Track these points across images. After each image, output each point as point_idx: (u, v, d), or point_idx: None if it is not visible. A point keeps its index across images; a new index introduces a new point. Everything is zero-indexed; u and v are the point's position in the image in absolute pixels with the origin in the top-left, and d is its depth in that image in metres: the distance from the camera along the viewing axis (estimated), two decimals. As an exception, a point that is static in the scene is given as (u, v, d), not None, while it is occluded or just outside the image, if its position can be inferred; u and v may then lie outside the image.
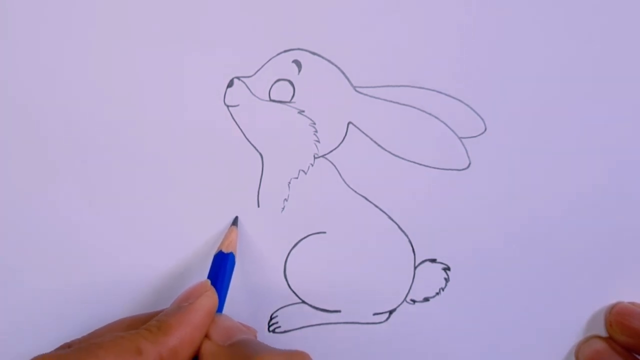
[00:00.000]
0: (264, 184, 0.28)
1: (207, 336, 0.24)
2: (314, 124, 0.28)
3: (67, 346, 0.23)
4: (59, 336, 0.29)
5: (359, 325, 0.29)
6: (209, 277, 0.26)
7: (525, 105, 0.27)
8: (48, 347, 0.23)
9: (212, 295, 0.24)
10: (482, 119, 0.27)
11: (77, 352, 0.21)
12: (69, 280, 0.29)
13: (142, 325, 0.23)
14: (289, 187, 0.28)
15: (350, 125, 0.28)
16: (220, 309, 0.25)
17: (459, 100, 0.27)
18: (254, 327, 0.29)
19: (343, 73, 0.27)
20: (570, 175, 0.28)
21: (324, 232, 0.29)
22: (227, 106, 0.27)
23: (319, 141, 0.28)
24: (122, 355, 0.21)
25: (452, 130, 0.27)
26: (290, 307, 0.29)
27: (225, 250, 0.27)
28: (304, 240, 0.29)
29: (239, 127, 0.28)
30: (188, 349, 0.22)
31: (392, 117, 0.27)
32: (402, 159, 0.28)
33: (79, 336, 0.24)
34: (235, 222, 0.28)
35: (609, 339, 0.29)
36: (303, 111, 0.27)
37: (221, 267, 0.26)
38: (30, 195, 0.28)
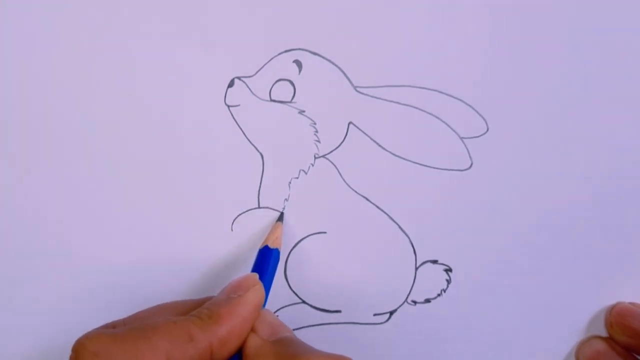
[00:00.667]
0: (264, 184, 0.28)
1: (252, 330, 0.23)
2: (315, 124, 0.27)
3: (112, 326, 0.23)
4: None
5: (360, 326, 0.30)
6: (253, 271, 0.26)
7: (527, 105, 0.27)
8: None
9: (260, 290, 0.24)
10: (484, 119, 0.27)
11: (131, 332, 0.21)
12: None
13: (191, 312, 0.23)
14: (289, 187, 0.28)
15: (351, 125, 0.27)
16: (264, 304, 0.25)
17: (461, 101, 0.27)
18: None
19: (343, 73, 0.27)
20: (572, 176, 0.28)
21: (324, 232, 0.29)
22: (228, 106, 0.27)
23: (319, 141, 0.28)
24: (174, 340, 0.21)
25: (454, 131, 0.27)
26: (290, 307, 0.29)
27: (271, 246, 0.27)
28: (304, 240, 0.29)
29: (239, 127, 0.27)
30: (236, 341, 0.22)
31: (393, 117, 0.27)
32: (403, 159, 0.28)
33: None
34: (281, 218, 0.28)
35: (609, 339, 0.29)
36: (303, 111, 0.27)
37: (266, 262, 0.26)
38: (26, 197, 0.28)
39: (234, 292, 0.24)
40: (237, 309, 0.23)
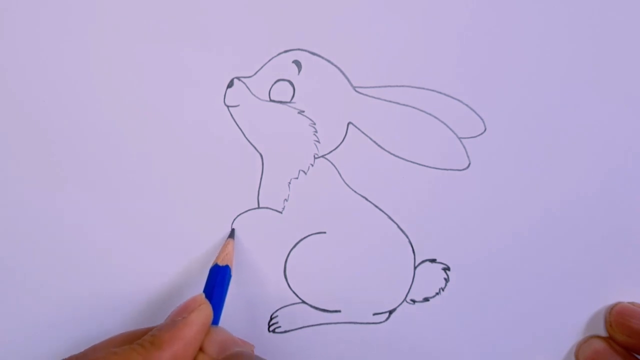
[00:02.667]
0: (264, 184, 0.28)
1: (201, 349, 0.24)
2: (314, 124, 0.28)
3: None
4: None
5: (359, 326, 0.30)
6: (205, 290, 0.26)
7: (524, 105, 0.27)
8: None
9: (205, 309, 0.24)
10: (481, 119, 0.27)
11: None
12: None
13: (136, 341, 0.23)
14: (289, 187, 0.28)
15: (350, 126, 0.28)
16: (216, 321, 0.25)
17: (459, 101, 0.27)
18: (254, 328, 0.29)
19: (343, 73, 0.27)
20: (570, 176, 0.28)
21: (324, 232, 0.29)
22: (227, 106, 0.27)
23: (319, 141, 0.28)
24: None
25: (452, 131, 0.27)
26: (290, 307, 0.29)
27: (220, 263, 0.27)
28: (304, 240, 0.29)
29: (239, 127, 0.28)
30: None
31: (392, 117, 0.27)
32: (402, 159, 0.28)
33: (75, 351, 0.24)
34: (232, 234, 0.28)
35: (609, 339, 0.29)
36: (303, 111, 0.27)
37: (217, 280, 0.26)
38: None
39: (179, 315, 0.24)
40: (181, 332, 0.23)
